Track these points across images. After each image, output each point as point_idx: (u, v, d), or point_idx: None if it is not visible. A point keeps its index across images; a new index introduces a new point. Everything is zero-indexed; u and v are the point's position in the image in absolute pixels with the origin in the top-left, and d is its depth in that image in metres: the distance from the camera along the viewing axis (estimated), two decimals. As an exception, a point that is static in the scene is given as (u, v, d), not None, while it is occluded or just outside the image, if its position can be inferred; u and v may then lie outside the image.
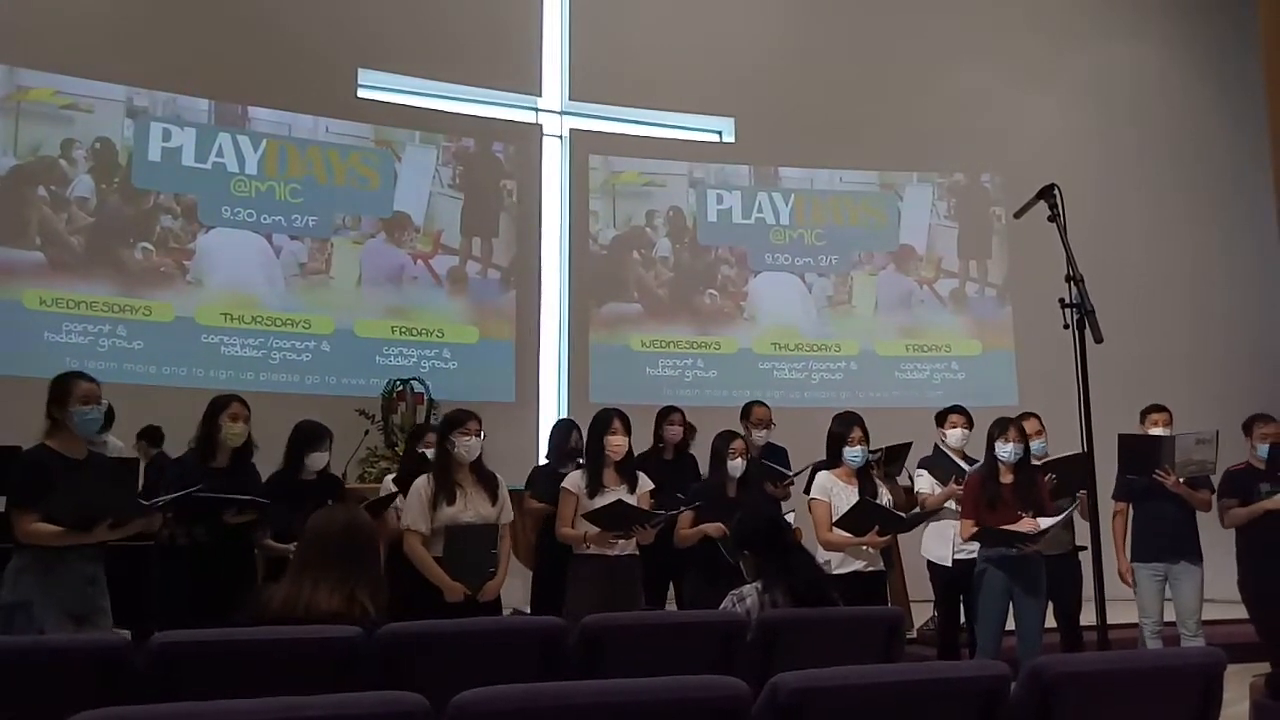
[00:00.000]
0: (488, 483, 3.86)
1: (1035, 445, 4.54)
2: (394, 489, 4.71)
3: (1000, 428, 4.31)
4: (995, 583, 4.22)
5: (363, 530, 2.64)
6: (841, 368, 8.43)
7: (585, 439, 4.38)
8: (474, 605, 3.63)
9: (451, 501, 3.74)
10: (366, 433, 6.62)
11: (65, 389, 3.41)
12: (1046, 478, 4.43)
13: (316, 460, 4.25)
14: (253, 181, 7.45)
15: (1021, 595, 4.21)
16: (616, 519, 3.97)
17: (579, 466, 4.72)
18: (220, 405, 3.97)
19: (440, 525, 3.72)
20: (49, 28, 6.76)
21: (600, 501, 4.02)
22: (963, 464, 4.74)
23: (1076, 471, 4.30)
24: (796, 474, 5.25)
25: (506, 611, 4.43)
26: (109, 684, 2.17)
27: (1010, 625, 4.27)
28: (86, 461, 3.48)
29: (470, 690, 1.65)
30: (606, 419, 4.18)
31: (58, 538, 3.29)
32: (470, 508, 3.77)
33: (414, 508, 3.77)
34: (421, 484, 3.82)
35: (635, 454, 4.37)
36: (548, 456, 5.09)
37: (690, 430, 5.29)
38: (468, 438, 3.81)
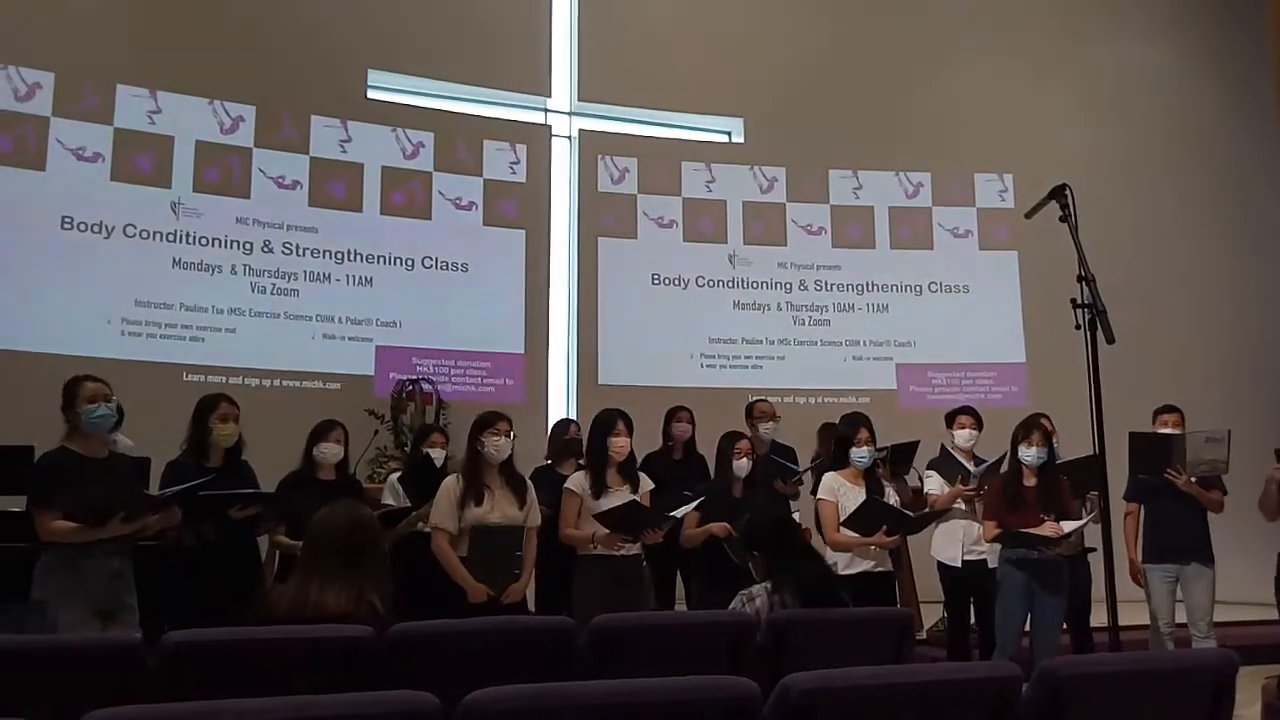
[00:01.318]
0: (516, 485, 3.88)
1: (1048, 446, 4.52)
2: (399, 487, 4.73)
3: (1025, 430, 4.30)
4: (1015, 584, 4.21)
5: (365, 527, 2.64)
6: (846, 364, 8.40)
7: (587, 438, 4.35)
8: (498, 607, 3.63)
9: (479, 502, 3.76)
10: (376, 433, 6.63)
11: (73, 391, 3.50)
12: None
13: (327, 453, 4.25)
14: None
15: (1041, 597, 4.20)
16: (629, 520, 3.96)
17: (579, 465, 4.71)
18: (208, 406, 3.96)
19: (467, 525, 3.73)
20: (53, 28, 6.77)
21: (605, 502, 4.00)
22: (970, 465, 4.73)
23: (1088, 473, 4.28)
24: (805, 470, 5.25)
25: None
26: (122, 683, 2.18)
27: (1026, 626, 4.26)
28: (105, 461, 3.54)
29: (481, 690, 1.65)
30: (610, 419, 4.15)
31: (73, 534, 3.35)
32: (497, 509, 3.78)
33: (442, 506, 3.78)
34: (451, 483, 3.83)
35: (644, 453, 4.36)
36: (547, 456, 5.08)
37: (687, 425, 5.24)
38: (497, 438, 3.82)
